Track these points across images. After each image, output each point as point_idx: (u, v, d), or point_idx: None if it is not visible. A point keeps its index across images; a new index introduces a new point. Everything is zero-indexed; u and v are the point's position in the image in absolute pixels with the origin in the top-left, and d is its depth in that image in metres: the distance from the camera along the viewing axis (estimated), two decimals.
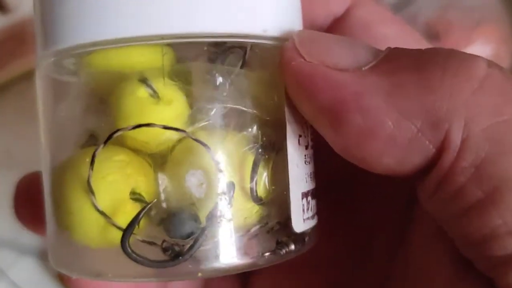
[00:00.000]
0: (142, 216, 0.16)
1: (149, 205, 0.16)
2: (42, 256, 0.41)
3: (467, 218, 0.15)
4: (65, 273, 0.18)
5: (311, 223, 0.18)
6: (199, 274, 0.16)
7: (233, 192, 0.16)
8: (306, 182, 0.18)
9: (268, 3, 0.17)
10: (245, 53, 0.17)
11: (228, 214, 0.16)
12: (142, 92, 0.16)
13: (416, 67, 0.15)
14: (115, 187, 0.16)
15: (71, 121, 0.17)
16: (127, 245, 0.16)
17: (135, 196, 0.16)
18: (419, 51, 0.16)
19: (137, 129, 0.16)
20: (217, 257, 0.16)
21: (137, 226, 0.16)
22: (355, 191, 0.22)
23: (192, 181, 0.16)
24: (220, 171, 0.16)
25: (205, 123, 0.16)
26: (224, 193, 0.16)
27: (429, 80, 0.15)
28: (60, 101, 0.18)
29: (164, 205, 0.16)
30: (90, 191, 0.16)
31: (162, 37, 0.16)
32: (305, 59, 0.16)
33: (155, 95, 0.16)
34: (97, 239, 0.17)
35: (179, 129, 0.16)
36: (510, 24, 0.42)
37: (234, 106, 0.17)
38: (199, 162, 0.16)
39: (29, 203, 0.21)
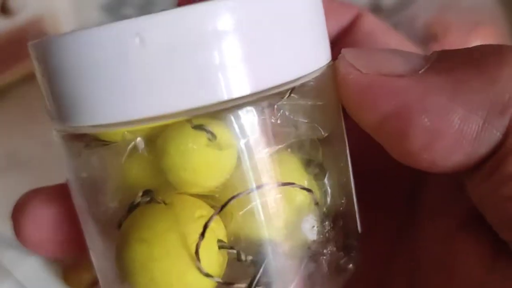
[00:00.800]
0: (262, 268, 0.16)
1: (267, 260, 0.16)
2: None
3: None
4: None
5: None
6: None
7: (329, 224, 0.17)
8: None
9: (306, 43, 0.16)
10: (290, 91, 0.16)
11: (329, 247, 0.17)
12: (203, 139, 0.15)
13: (471, 62, 0.15)
14: (209, 246, 0.15)
15: (117, 178, 0.16)
16: None
17: (222, 244, 0.16)
18: (467, 49, 0.16)
19: (208, 181, 0.15)
20: (330, 284, 0.17)
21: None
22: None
23: (307, 227, 0.16)
24: (323, 212, 0.16)
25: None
26: (328, 230, 0.16)
27: (488, 72, 0.15)
28: (96, 158, 0.17)
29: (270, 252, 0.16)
30: (197, 259, 0.15)
31: (193, 109, 0.14)
32: (361, 72, 0.16)
33: (213, 139, 0.15)
34: None
35: (308, 189, 0.16)
36: (508, 25, 0.43)
37: (295, 137, 0.16)
38: (308, 207, 0.16)
39: (31, 226, 0.20)
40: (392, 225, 0.20)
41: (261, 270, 0.15)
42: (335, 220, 0.17)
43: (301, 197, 0.16)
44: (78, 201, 0.17)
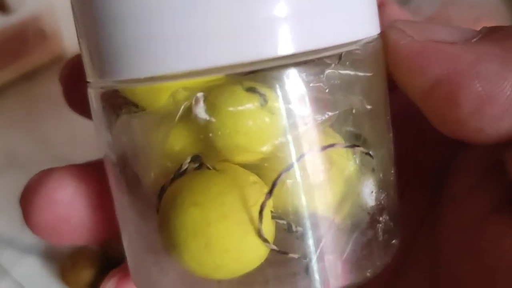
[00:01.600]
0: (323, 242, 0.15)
1: (332, 228, 0.15)
2: (46, 255, 0.42)
3: None
4: None
5: None
6: (368, 275, 0.16)
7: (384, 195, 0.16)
8: None
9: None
10: (340, 56, 0.16)
11: (384, 215, 0.16)
12: (256, 102, 0.14)
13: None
14: (266, 212, 0.15)
15: (161, 143, 0.15)
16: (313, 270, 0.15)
17: (274, 215, 0.15)
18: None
19: (260, 144, 0.15)
20: (383, 254, 0.17)
21: None
22: None
23: (366, 192, 0.16)
24: (378, 178, 0.16)
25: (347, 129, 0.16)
26: (383, 198, 0.16)
27: None
28: (138, 121, 0.16)
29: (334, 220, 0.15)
30: (260, 220, 0.14)
31: (238, 65, 0.14)
32: (413, 38, 0.16)
33: (265, 103, 0.14)
34: (248, 270, 0.15)
35: (369, 153, 0.16)
36: (510, 20, 0.43)
37: (345, 108, 0.16)
38: (368, 172, 0.16)
39: (42, 209, 0.19)
40: (415, 212, 0.20)
41: (322, 244, 0.15)
42: (387, 191, 0.17)
43: (354, 164, 0.16)
44: (113, 169, 0.16)
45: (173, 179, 0.15)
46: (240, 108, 0.14)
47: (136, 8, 0.13)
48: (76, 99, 0.20)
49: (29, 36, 0.42)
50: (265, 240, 0.14)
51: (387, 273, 0.20)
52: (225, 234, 0.14)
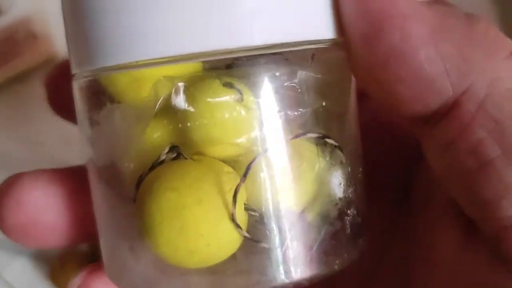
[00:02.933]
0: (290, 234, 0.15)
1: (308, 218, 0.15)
2: (36, 257, 0.42)
3: (480, 174, 0.15)
4: None
5: None
6: (335, 268, 0.16)
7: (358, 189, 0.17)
8: None
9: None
10: (313, 55, 0.16)
11: (352, 209, 0.17)
12: (233, 97, 0.15)
13: (465, 19, 0.16)
14: (240, 200, 0.15)
15: (139, 134, 0.16)
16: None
17: (246, 206, 0.15)
18: (468, 13, 0.16)
19: (235, 137, 0.15)
20: (351, 248, 0.17)
21: None
22: None
23: (335, 182, 0.16)
24: (348, 173, 0.16)
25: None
26: (352, 189, 0.17)
27: (473, 34, 0.15)
28: (118, 112, 0.16)
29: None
30: (234, 207, 0.15)
31: (229, 51, 0.15)
32: None
33: (240, 99, 0.15)
34: (222, 257, 0.15)
35: (339, 146, 0.16)
36: (498, 21, 0.43)
37: (315, 107, 0.16)
38: (337, 165, 0.16)
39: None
40: (386, 219, 0.21)
41: (291, 234, 0.15)
42: (357, 188, 0.17)
43: (323, 157, 0.16)
44: (92, 161, 0.16)
45: (151, 168, 0.15)
46: (218, 99, 0.15)
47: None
48: (60, 102, 0.21)
49: (20, 37, 0.43)
50: (238, 226, 0.15)
51: (360, 279, 0.20)
52: (200, 218, 0.15)
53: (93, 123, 0.16)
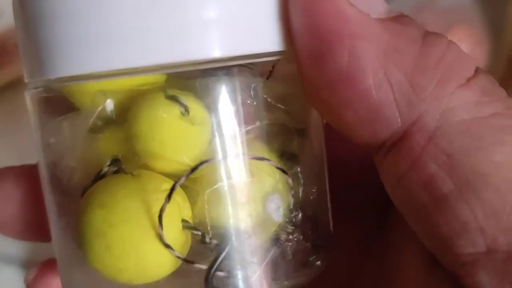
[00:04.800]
0: (225, 253, 0.15)
1: (233, 242, 0.15)
2: (26, 265, 0.42)
3: (435, 210, 0.14)
4: None
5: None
6: None
7: (300, 214, 0.16)
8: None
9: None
10: (273, 66, 0.16)
11: (296, 234, 0.16)
12: (175, 111, 0.15)
13: (419, 41, 0.15)
14: (173, 219, 0.15)
15: (85, 145, 0.16)
16: (212, 283, 0.15)
17: (186, 224, 0.15)
18: (426, 30, 0.15)
19: (178, 154, 0.15)
20: (289, 273, 0.16)
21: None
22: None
23: (272, 207, 0.16)
24: (293, 196, 0.16)
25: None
26: (293, 216, 0.16)
27: (426, 59, 0.14)
28: (60, 126, 0.16)
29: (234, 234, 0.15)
30: (160, 225, 0.14)
31: (173, 65, 0.14)
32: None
33: (186, 113, 0.15)
34: (155, 277, 0.15)
35: (283, 170, 0.16)
36: (485, 25, 0.43)
37: (270, 120, 0.16)
38: (275, 187, 0.16)
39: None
40: (362, 234, 0.20)
41: (224, 253, 0.15)
42: (305, 210, 0.16)
43: (270, 178, 0.16)
44: (43, 169, 0.16)
45: (93, 181, 0.15)
46: (156, 115, 0.14)
47: (64, 8, 0.14)
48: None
49: (10, 46, 0.43)
50: (167, 246, 0.14)
51: None
52: (126, 237, 0.14)
53: (42, 130, 0.16)
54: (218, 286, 0.15)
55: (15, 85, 0.45)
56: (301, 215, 0.16)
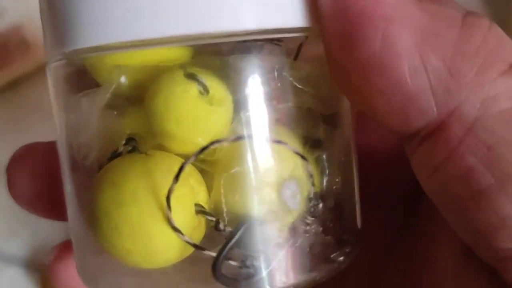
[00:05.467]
0: (237, 237, 0.15)
1: (246, 226, 0.15)
2: (27, 265, 0.42)
3: (473, 203, 0.14)
4: None
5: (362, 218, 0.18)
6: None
7: (321, 204, 0.16)
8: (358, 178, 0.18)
9: None
10: (300, 44, 0.15)
11: (311, 226, 0.16)
12: (194, 90, 0.14)
13: (459, 24, 0.14)
14: (185, 202, 0.15)
15: (100, 125, 0.15)
16: (220, 271, 0.15)
17: (199, 208, 0.15)
18: (466, 10, 0.14)
19: (195, 134, 0.14)
20: (305, 267, 0.16)
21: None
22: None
23: (288, 194, 0.15)
24: (313, 184, 0.15)
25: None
26: (312, 206, 0.16)
27: (466, 44, 0.14)
28: (80, 102, 0.16)
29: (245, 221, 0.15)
30: (168, 208, 0.14)
31: (194, 37, 0.14)
32: None
33: (205, 93, 0.14)
34: (163, 261, 0.15)
35: (303, 156, 0.15)
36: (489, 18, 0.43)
37: (296, 104, 0.15)
38: (294, 173, 0.15)
39: (26, 179, 0.20)
40: (392, 226, 0.20)
41: (233, 241, 0.15)
42: (327, 200, 0.16)
43: (287, 163, 0.15)
44: (61, 147, 0.17)
45: (109, 159, 0.15)
46: (172, 92, 0.14)
47: None
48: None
49: (12, 45, 0.43)
50: (175, 229, 0.14)
51: (362, 284, 0.20)
52: (134, 217, 0.14)
53: (63, 109, 0.16)
54: (229, 276, 0.15)
55: (16, 85, 0.45)
56: (322, 206, 0.16)
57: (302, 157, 0.15)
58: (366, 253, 0.19)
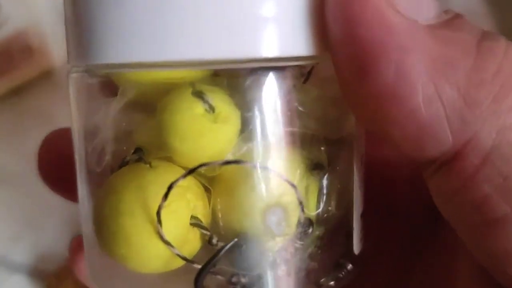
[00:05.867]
0: (221, 255, 0.15)
1: (229, 245, 0.15)
2: (33, 273, 0.42)
3: (489, 231, 0.14)
4: None
5: (363, 243, 0.18)
6: None
7: (312, 229, 0.16)
8: (362, 202, 0.18)
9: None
10: (311, 69, 0.16)
11: (300, 249, 0.16)
12: (199, 108, 0.15)
13: (474, 50, 0.14)
14: (178, 215, 0.16)
15: (111, 133, 0.17)
16: (202, 284, 0.15)
17: (195, 221, 0.16)
18: (482, 31, 0.14)
19: (196, 151, 0.15)
20: None
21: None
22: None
23: (273, 220, 0.16)
24: (302, 211, 0.16)
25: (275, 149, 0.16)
26: (301, 231, 0.16)
27: (481, 71, 0.14)
28: (98, 110, 0.17)
29: (235, 238, 0.16)
30: (158, 222, 0.15)
31: (212, 62, 0.15)
32: None
33: (210, 111, 0.15)
34: (156, 269, 0.16)
35: (289, 182, 0.16)
36: (497, 31, 0.43)
37: (300, 129, 0.16)
38: (281, 200, 0.16)
39: (55, 165, 0.21)
40: (412, 240, 0.20)
41: (217, 257, 0.15)
42: (320, 227, 0.17)
43: (275, 190, 0.16)
44: (77, 154, 0.18)
45: (119, 167, 0.17)
46: (178, 109, 0.15)
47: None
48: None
49: (16, 51, 0.43)
50: (166, 242, 0.15)
51: None
52: (129, 227, 0.16)
53: (81, 116, 0.18)
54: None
55: (20, 90, 0.46)
56: (312, 232, 0.16)
57: (291, 184, 0.16)
58: (385, 266, 0.20)
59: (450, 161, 0.14)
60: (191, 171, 0.15)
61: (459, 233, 0.15)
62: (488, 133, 0.13)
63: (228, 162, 0.15)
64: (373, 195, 0.20)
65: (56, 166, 0.21)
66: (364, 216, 0.18)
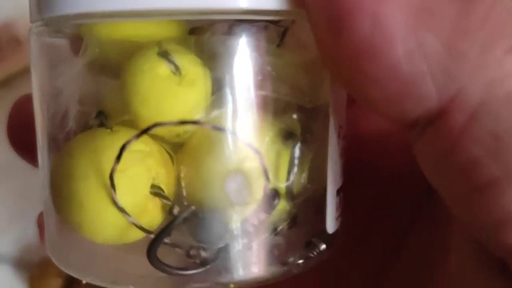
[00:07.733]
0: (174, 225, 0.15)
1: (185, 214, 0.15)
2: (16, 264, 0.42)
3: (477, 198, 0.13)
4: (73, 275, 0.17)
5: (339, 221, 0.18)
6: (231, 286, 0.15)
7: (277, 201, 0.15)
8: (340, 177, 0.17)
9: None
10: (285, 30, 0.15)
11: (265, 221, 0.15)
12: (163, 69, 0.14)
13: None
14: (136, 182, 0.15)
15: (73, 96, 0.16)
16: (155, 255, 0.15)
17: (155, 190, 0.15)
18: None
19: (159, 115, 0.14)
20: (250, 266, 0.15)
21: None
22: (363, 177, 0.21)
23: (232, 187, 0.15)
24: (267, 179, 0.15)
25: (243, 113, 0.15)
26: (266, 201, 0.15)
27: (468, 19, 0.13)
28: (60, 71, 0.16)
29: (192, 206, 0.15)
30: (112, 187, 0.14)
31: (178, 12, 0.14)
32: None
33: (177, 72, 0.14)
34: (113, 238, 0.15)
35: (253, 147, 0.15)
36: None
37: (272, 94, 0.15)
38: (242, 166, 0.15)
39: (24, 130, 0.21)
40: (405, 217, 0.20)
41: (170, 226, 0.15)
42: (288, 199, 0.16)
43: (237, 155, 0.15)
44: (38, 115, 0.17)
45: (83, 131, 0.16)
46: (141, 70, 0.14)
47: None
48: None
49: (3, 42, 0.43)
50: (120, 209, 0.15)
51: (367, 282, 0.21)
52: (84, 192, 0.15)
53: (41, 77, 0.17)
54: (164, 262, 0.15)
55: (8, 82, 0.46)
56: (277, 203, 0.16)
57: (255, 150, 0.15)
58: (377, 243, 0.19)
59: (435, 121, 0.13)
60: (143, 132, 0.14)
61: (448, 204, 0.14)
62: (475, 87, 0.12)
63: (183, 123, 0.14)
64: (363, 170, 0.19)
65: (24, 130, 0.20)
66: (341, 192, 0.17)
